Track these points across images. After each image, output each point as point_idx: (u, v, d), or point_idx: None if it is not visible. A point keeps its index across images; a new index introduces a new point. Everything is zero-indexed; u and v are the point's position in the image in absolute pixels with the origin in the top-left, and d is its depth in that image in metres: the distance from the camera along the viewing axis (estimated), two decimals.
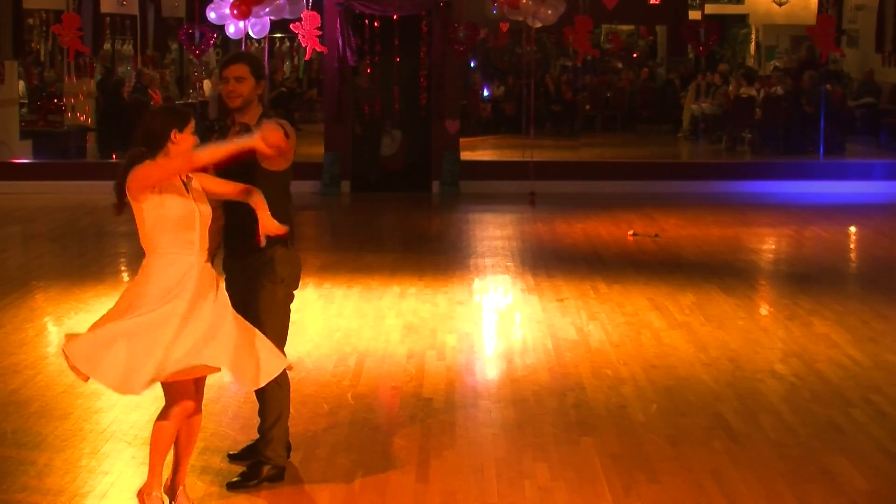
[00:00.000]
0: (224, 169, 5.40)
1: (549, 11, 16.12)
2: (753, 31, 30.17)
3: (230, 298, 5.41)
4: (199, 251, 5.21)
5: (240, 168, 5.44)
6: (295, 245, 5.90)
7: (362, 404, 7.15)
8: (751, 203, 16.14)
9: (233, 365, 5.19)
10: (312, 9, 16.57)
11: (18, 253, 13.26)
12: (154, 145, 5.15)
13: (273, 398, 5.81)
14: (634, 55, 29.61)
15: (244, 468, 5.86)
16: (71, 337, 5.16)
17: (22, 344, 8.57)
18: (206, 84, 22.99)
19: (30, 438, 6.45)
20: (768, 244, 13.58)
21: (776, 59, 28.17)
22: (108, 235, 13.55)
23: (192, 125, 5.20)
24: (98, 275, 11.21)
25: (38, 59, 23.59)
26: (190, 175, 5.26)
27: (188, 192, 5.21)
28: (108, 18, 24.33)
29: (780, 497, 5.66)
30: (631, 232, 13.60)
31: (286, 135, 5.39)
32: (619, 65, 27.46)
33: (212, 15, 16.38)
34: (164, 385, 5.19)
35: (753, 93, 20.76)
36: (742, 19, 30.12)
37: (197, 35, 17.58)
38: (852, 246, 13.90)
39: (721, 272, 11.32)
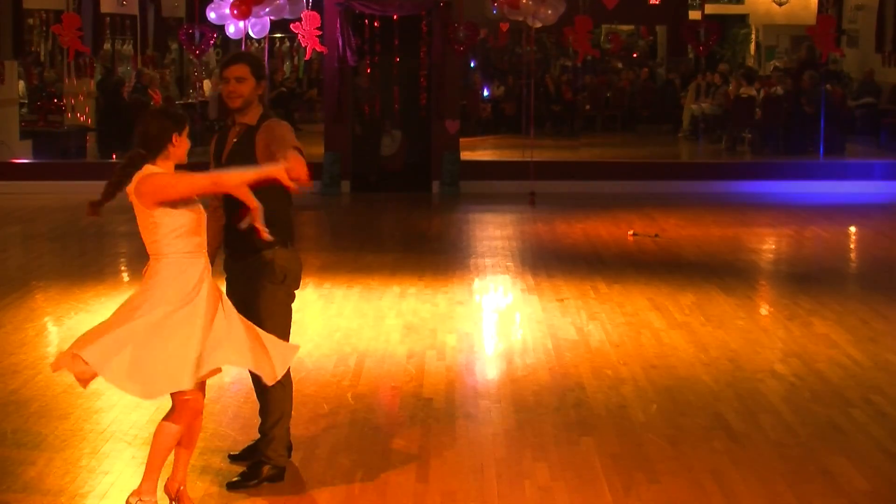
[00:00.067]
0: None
1: (549, 11, 16.11)
2: (753, 31, 30.16)
3: (231, 299, 5.41)
4: (205, 252, 5.25)
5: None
6: (295, 245, 5.91)
7: (362, 404, 7.15)
8: (751, 203, 16.13)
9: (255, 363, 5.21)
10: (312, 9, 16.57)
11: (18, 253, 13.25)
12: (153, 148, 5.12)
13: (276, 398, 5.81)
14: (634, 55, 29.60)
15: (244, 468, 5.86)
16: (80, 345, 5.00)
17: (22, 344, 8.57)
18: (206, 84, 22.98)
19: (30, 438, 6.44)
20: (768, 244, 13.57)
21: (776, 59, 28.16)
22: (108, 235, 13.53)
23: (188, 129, 5.18)
24: (98, 275, 11.21)
25: (38, 59, 23.57)
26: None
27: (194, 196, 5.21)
28: (108, 18, 24.30)
29: (780, 497, 5.66)
30: (631, 232, 13.59)
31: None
32: (619, 65, 27.45)
33: (212, 15, 16.38)
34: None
35: (753, 93, 20.75)
36: (742, 19, 30.11)
37: (197, 35, 17.58)
38: (852, 246, 13.90)
39: (721, 272, 11.31)
